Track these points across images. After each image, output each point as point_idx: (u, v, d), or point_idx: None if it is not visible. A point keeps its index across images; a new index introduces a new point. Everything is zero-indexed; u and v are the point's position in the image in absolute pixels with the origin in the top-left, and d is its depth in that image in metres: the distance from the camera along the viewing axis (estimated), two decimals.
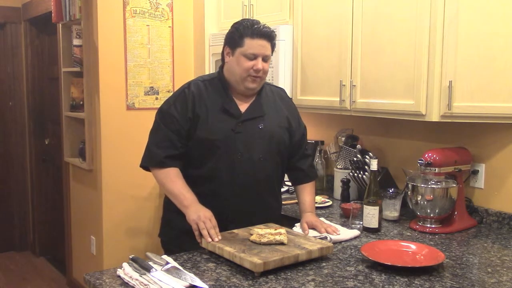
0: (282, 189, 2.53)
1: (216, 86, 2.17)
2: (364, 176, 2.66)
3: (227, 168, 2.11)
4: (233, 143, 2.10)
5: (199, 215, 1.96)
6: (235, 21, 2.18)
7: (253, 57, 2.08)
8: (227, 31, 2.18)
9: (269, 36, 2.11)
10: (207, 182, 2.13)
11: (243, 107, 2.16)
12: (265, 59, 2.11)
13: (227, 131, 2.10)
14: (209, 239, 1.89)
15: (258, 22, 2.12)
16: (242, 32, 2.09)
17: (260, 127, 2.15)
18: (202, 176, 2.13)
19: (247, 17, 3.13)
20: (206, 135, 2.10)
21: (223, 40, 2.19)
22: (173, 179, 2.10)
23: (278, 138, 2.19)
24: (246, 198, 2.13)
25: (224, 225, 2.06)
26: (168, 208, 2.27)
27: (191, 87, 2.16)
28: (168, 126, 2.12)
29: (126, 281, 1.64)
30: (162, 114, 2.16)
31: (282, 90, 2.37)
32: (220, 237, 1.91)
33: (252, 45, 2.08)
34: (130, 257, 1.72)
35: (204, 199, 2.11)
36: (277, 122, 2.20)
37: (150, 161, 2.15)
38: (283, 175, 2.35)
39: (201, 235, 1.93)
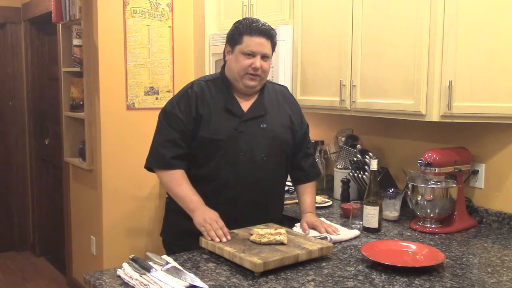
0: None
1: (218, 85, 2.16)
2: (364, 176, 2.66)
3: (230, 168, 2.10)
4: (236, 143, 2.09)
5: (205, 218, 1.96)
6: (236, 20, 2.17)
7: (252, 55, 2.08)
8: (228, 30, 2.17)
9: (267, 33, 2.10)
10: (210, 181, 2.12)
11: (245, 106, 2.15)
12: (264, 57, 2.10)
13: (230, 130, 2.10)
14: (218, 240, 1.88)
15: (257, 21, 2.11)
16: (241, 30, 2.09)
17: (262, 127, 2.14)
18: (204, 176, 2.13)
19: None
20: (209, 134, 2.09)
21: (225, 39, 2.18)
22: (179, 182, 2.09)
23: (281, 138, 2.18)
24: (248, 197, 2.13)
25: (225, 224, 2.06)
26: (170, 207, 2.27)
27: (194, 87, 2.15)
28: (172, 126, 2.11)
29: (126, 281, 1.64)
30: (166, 114, 2.16)
31: (285, 88, 2.36)
32: (229, 237, 1.90)
33: (250, 42, 2.07)
34: (130, 257, 1.72)
35: (206, 199, 2.11)
36: (280, 122, 2.20)
37: (156, 162, 2.14)
38: (287, 176, 2.33)
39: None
